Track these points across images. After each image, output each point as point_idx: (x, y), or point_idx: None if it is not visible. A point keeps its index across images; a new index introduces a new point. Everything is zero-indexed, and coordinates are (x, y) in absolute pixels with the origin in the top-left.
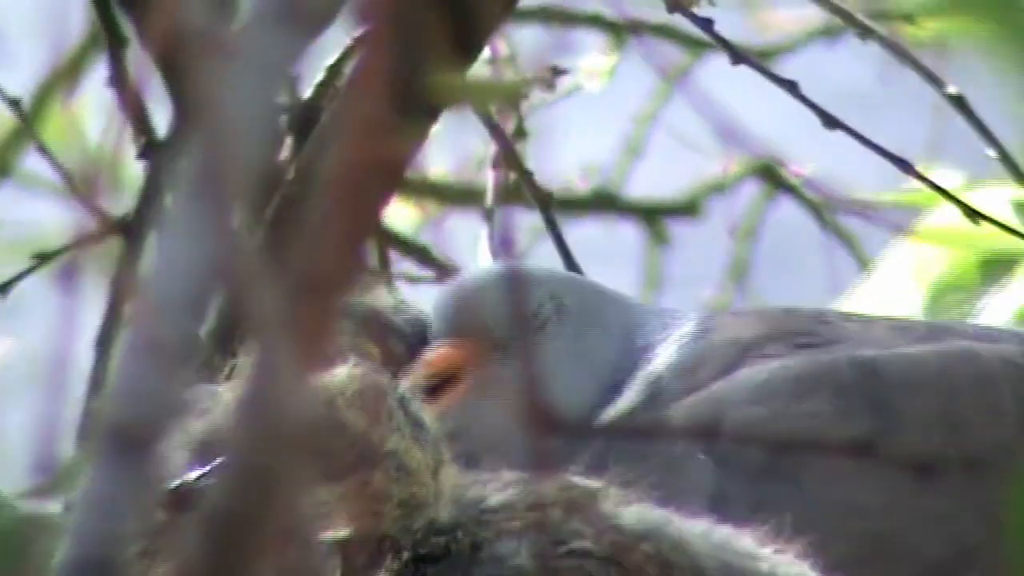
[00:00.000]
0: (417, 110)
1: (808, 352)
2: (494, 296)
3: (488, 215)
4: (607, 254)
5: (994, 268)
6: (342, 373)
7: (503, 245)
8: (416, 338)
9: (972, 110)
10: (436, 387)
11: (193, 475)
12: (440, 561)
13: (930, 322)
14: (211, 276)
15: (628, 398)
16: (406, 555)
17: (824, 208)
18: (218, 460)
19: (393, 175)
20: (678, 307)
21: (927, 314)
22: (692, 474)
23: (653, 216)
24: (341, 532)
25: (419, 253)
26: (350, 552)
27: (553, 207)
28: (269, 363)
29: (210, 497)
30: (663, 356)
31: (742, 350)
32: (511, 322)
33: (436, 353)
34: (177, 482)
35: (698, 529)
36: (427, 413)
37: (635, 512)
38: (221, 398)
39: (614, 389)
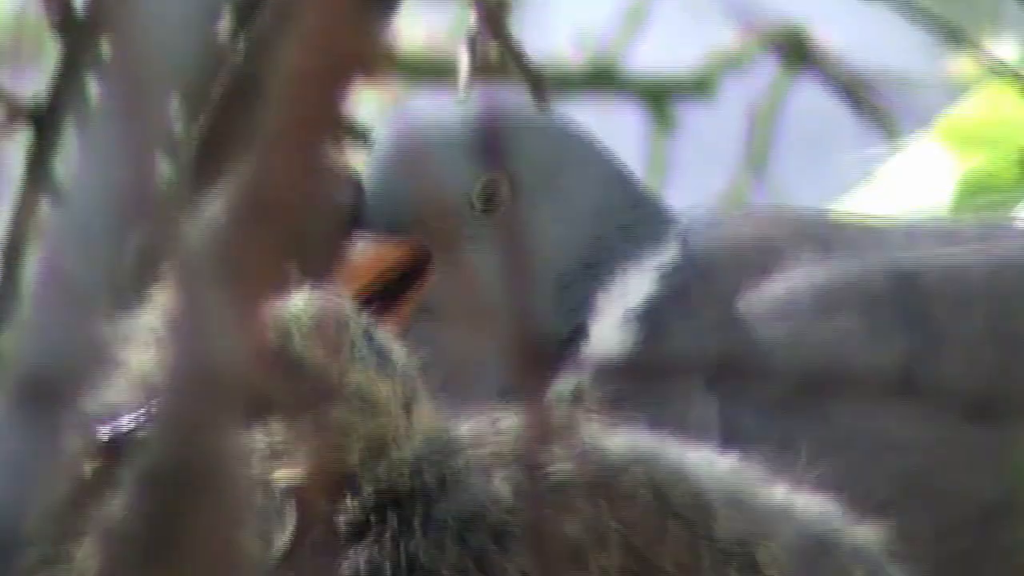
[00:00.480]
0: None
1: (835, 260)
2: (452, 158)
3: (464, 94)
4: (604, 139)
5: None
6: (298, 301)
7: (486, 136)
8: None
9: None
10: (372, 299)
11: (124, 423)
12: (405, 498)
13: (979, 222)
14: (132, 201)
15: (614, 323)
16: (367, 492)
17: (856, 87)
18: (149, 407)
19: (359, 62)
20: (684, 202)
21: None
22: (696, 410)
23: (658, 96)
24: (299, 473)
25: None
26: (309, 494)
27: (544, 85)
28: (197, 300)
29: (143, 450)
30: (651, 270)
31: (754, 259)
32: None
33: (369, 251)
34: (107, 432)
35: (699, 457)
36: (395, 343)
37: (624, 440)
38: (147, 338)
39: (585, 303)
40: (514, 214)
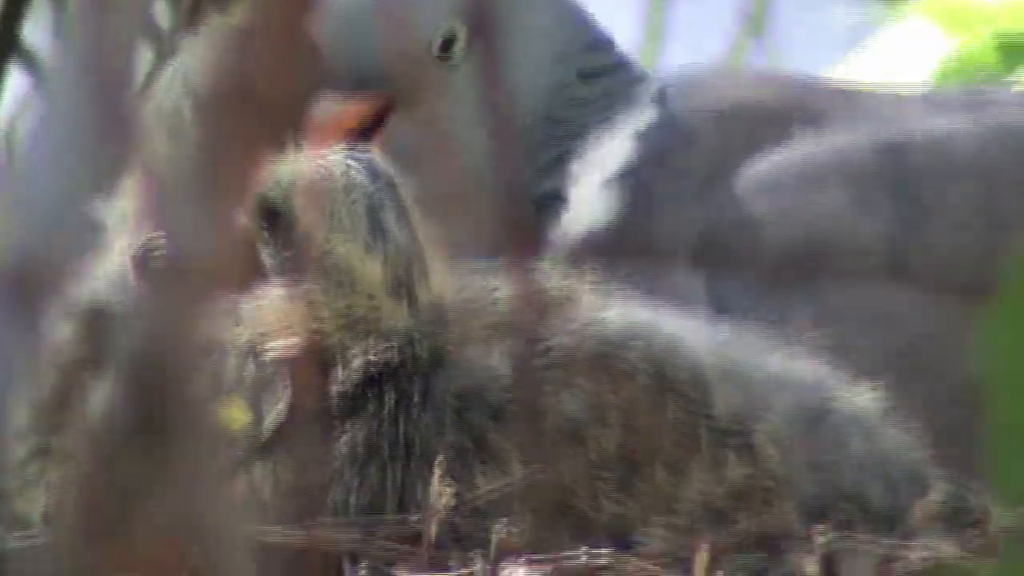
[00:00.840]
0: None
1: (822, 131)
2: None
3: None
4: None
5: (1015, 54)
6: (290, 166)
7: None
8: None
9: None
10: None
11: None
12: (396, 371)
13: (967, 89)
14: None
15: (592, 191)
16: (357, 365)
17: None
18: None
19: None
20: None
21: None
22: (682, 284)
23: None
24: (285, 343)
25: None
26: (297, 365)
27: None
28: (172, 191)
29: (122, 339)
30: (628, 132)
31: (739, 125)
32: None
33: (336, 110)
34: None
35: (695, 327)
36: (404, 223)
37: (620, 313)
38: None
39: (557, 164)
40: (478, 61)
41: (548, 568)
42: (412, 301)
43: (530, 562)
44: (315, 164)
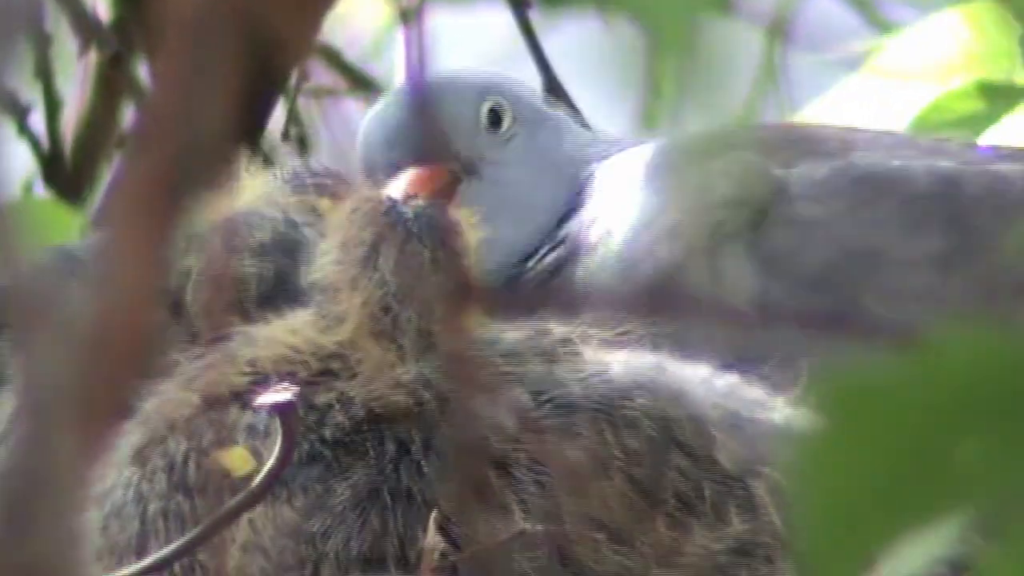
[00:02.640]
0: None
1: (873, 153)
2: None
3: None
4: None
5: (993, 98)
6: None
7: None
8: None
9: None
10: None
11: None
12: (403, 419)
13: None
14: None
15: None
16: (356, 408)
17: None
18: None
19: None
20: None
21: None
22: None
23: None
24: (275, 392)
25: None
26: (290, 414)
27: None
28: None
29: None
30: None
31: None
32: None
33: (416, 175)
34: None
35: (698, 377)
36: (417, 270)
37: (623, 360)
38: None
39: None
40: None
41: None
42: (400, 347)
43: None
44: (364, 196)
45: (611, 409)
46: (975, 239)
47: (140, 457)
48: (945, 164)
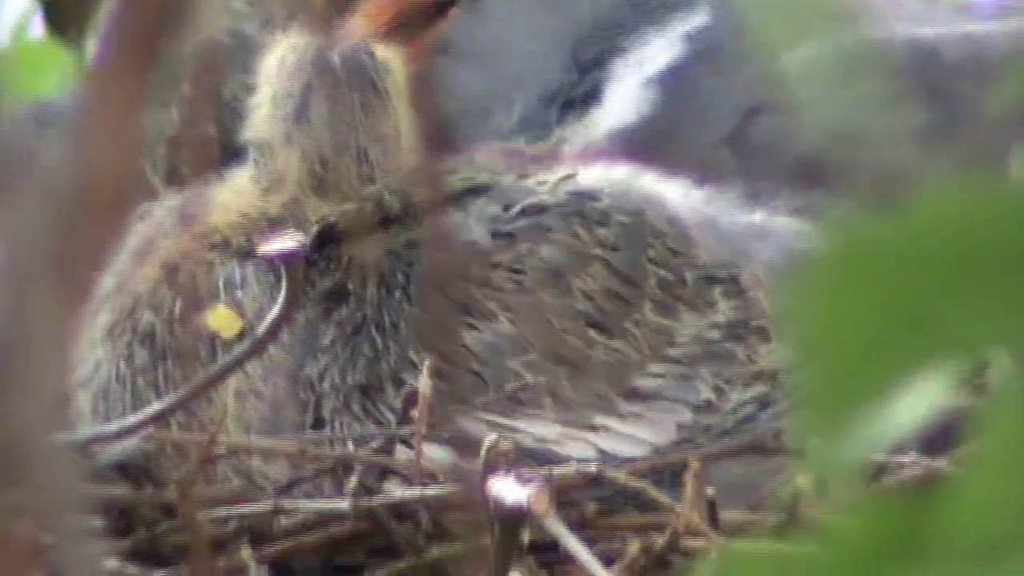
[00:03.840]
0: None
1: (860, 28)
2: None
3: None
4: None
5: None
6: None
7: None
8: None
9: None
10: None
11: None
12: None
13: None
14: None
15: (631, 88)
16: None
17: None
18: None
19: None
20: None
21: None
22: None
23: None
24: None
25: None
26: (291, 263)
27: None
28: None
29: None
30: (677, 34)
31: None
32: None
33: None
34: None
35: (674, 186)
36: (352, 118)
37: (596, 171)
38: None
39: (600, 64)
40: None
41: (538, 479)
42: (343, 197)
43: (520, 474)
44: (293, 44)
45: (581, 206)
46: (958, 110)
47: (112, 335)
48: (928, 33)
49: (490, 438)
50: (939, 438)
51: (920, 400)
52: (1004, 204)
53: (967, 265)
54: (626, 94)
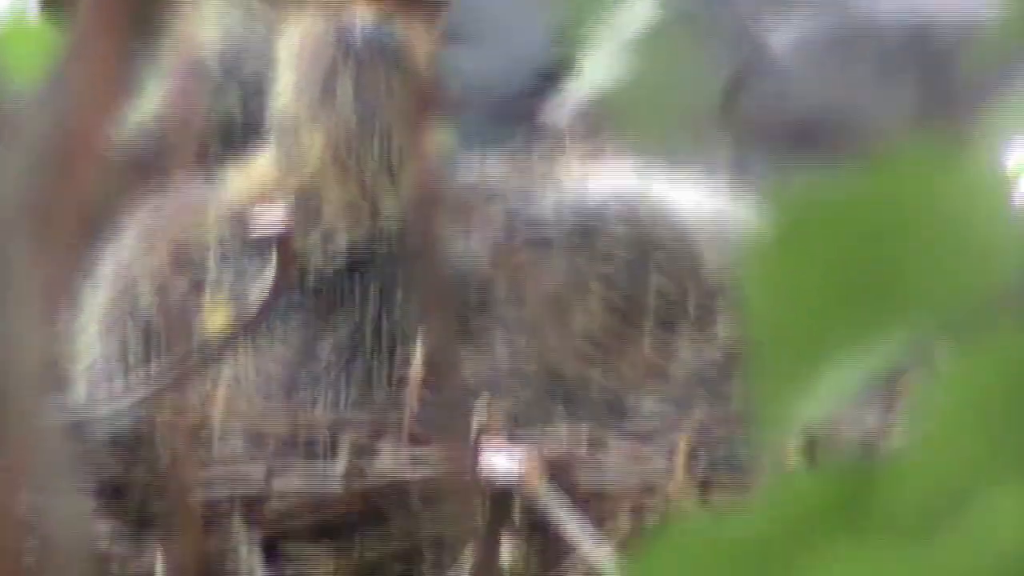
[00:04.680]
0: None
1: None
2: None
3: None
4: None
5: None
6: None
7: None
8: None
9: None
10: None
11: None
12: (377, 257)
13: None
14: None
15: (606, 54)
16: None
17: None
18: None
19: None
20: None
21: None
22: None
23: None
24: (267, 217)
25: None
26: (282, 241)
27: None
28: None
29: None
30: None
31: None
32: None
33: None
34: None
35: (682, 190)
36: (376, 101)
37: (602, 179)
38: None
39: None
40: None
41: (528, 450)
42: (364, 182)
43: (510, 445)
44: (318, 23)
45: (584, 220)
46: (948, 87)
47: (109, 313)
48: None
49: (480, 414)
50: (882, 407)
51: (864, 368)
52: (951, 172)
53: (914, 231)
54: (604, 60)
